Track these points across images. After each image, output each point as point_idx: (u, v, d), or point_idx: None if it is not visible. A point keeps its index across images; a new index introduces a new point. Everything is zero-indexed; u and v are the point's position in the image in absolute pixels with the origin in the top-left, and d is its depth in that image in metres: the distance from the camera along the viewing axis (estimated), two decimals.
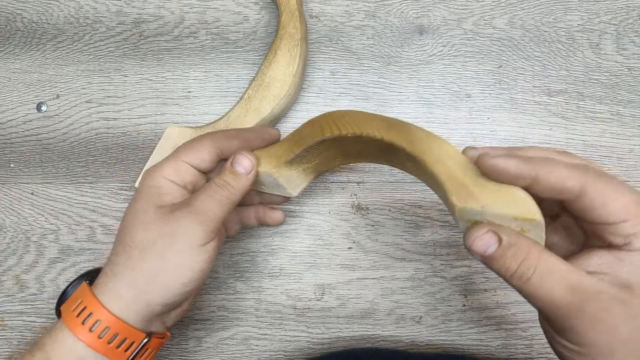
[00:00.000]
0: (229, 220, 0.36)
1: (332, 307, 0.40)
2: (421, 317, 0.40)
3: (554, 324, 0.23)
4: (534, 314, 0.40)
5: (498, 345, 0.40)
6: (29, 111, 0.43)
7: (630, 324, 0.21)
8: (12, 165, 0.43)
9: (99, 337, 0.27)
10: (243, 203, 0.35)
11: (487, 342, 0.40)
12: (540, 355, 0.40)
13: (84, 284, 0.29)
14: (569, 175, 0.23)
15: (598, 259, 0.23)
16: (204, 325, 0.40)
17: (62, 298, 0.31)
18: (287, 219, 0.41)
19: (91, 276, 0.31)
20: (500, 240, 0.23)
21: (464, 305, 0.40)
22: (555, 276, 0.22)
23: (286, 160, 0.32)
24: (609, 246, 0.23)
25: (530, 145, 0.33)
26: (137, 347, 0.29)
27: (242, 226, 0.38)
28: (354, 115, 0.30)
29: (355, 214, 0.41)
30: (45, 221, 0.42)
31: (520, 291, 0.23)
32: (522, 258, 0.23)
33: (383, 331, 0.40)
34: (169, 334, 0.32)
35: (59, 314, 0.30)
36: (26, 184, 0.42)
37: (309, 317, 0.40)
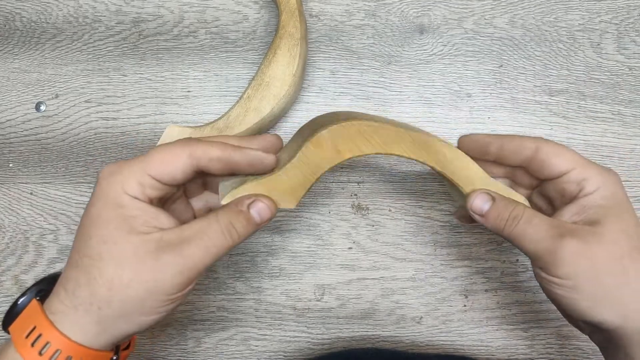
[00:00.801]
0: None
1: (332, 308, 0.40)
2: (421, 317, 0.40)
3: (542, 262, 0.27)
4: (535, 315, 0.40)
5: (499, 346, 0.40)
6: (27, 111, 0.43)
7: (606, 249, 0.26)
8: (11, 165, 0.42)
9: None
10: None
11: (488, 342, 0.40)
12: (541, 356, 0.40)
13: (34, 302, 0.26)
14: (526, 140, 0.30)
15: (568, 212, 0.28)
16: (203, 325, 0.40)
17: (11, 312, 0.27)
18: (286, 219, 0.41)
19: (44, 286, 0.28)
20: (493, 198, 0.29)
21: (465, 306, 0.40)
22: (538, 219, 0.27)
23: (303, 194, 0.28)
24: (571, 200, 0.28)
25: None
26: None
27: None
28: (371, 129, 0.28)
29: (355, 214, 0.41)
30: (44, 221, 0.41)
31: (512, 237, 0.28)
32: (511, 208, 0.28)
33: (383, 332, 0.40)
34: (135, 337, 0.30)
35: (5, 329, 0.27)
36: (25, 183, 0.42)
37: (309, 317, 0.40)
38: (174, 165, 0.26)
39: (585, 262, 0.26)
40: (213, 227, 0.26)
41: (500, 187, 0.30)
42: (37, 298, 0.26)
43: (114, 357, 0.26)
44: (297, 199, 0.28)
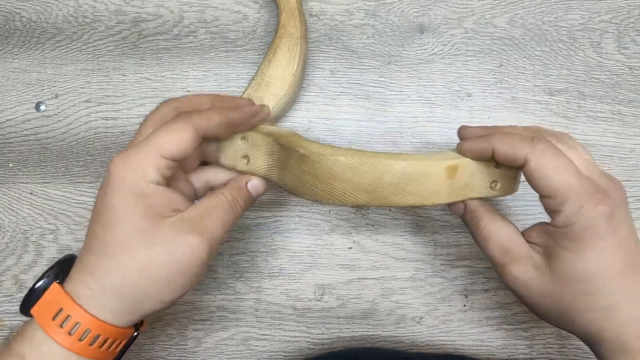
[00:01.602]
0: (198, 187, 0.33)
1: (332, 307, 0.40)
2: (422, 317, 0.40)
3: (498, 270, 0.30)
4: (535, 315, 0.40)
5: (499, 346, 0.40)
6: (27, 111, 0.43)
7: (542, 285, 0.28)
8: (10, 165, 0.42)
9: (79, 340, 0.26)
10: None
11: (488, 342, 0.40)
12: (541, 356, 0.40)
13: (56, 285, 0.27)
14: (518, 146, 0.27)
15: (536, 234, 0.29)
16: (203, 325, 0.40)
17: (32, 295, 0.28)
18: (286, 218, 0.41)
19: (61, 268, 0.28)
20: (465, 206, 0.31)
21: (465, 306, 0.40)
22: (495, 236, 0.29)
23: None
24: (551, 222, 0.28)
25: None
26: (125, 343, 0.28)
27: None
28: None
29: (355, 213, 0.41)
30: (44, 221, 0.41)
31: (477, 243, 0.31)
32: (479, 218, 0.30)
33: (383, 331, 0.40)
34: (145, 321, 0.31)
35: (27, 312, 0.28)
36: (25, 183, 0.42)
37: (309, 317, 0.40)
38: (183, 141, 0.27)
39: (530, 289, 0.29)
40: (224, 203, 0.29)
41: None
42: (58, 282, 0.27)
43: (135, 334, 0.28)
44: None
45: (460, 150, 0.31)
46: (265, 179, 0.33)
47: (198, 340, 0.40)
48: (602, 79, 0.42)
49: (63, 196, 0.42)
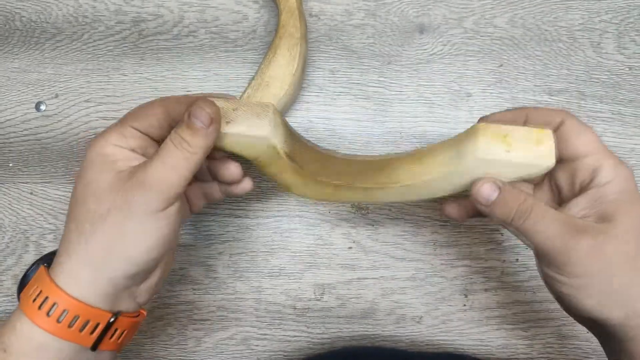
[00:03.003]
0: (192, 196, 0.34)
1: (332, 307, 0.40)
2: (421, 317, 0.40)
3: (551, 260, 0.26)
4: (535, 314, 0.40)
5: (499, 345, 0.40)
6: (27, 110, 0.43)
7: (617, 248, 0.25)
8: (10, 164, 0.42)
9: (57, 322, 0.25)
10: (200, 179, 0.33)
11: (488, 342, 0.40)
12: (540, 355, 0.40)
13: (42, 268, 0.27)
14: (552, 112, 0.29)
15: (577, 205, 0.27)
16: (203, 325, 0.40)
17: (23, 282, 0.28)
18: (286, 218, 0.41)
19: (51, 257, 0.28)
20: (499, 188, 0.27)
21: (465, 305, 0.40)
22: (549, 215, 0.26)
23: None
24: (581, 191, 0.27)
25: None
26: (102, 328, 0.27)
27: (207, 201, 0.35)
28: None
29: (355, 213, 0.41)
30: (44, 221, 0.41)
31: (521, 230, 0.27)
32: (520, 201, 0.27)
33: (383, 331, 0.40)
34: (144, 312, 0.30)
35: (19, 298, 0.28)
36: (25, 183, 0.42)
37: (309, 317, 0.40)
38: (150, 116, 0.28)
39: (596, 262, 0.25)
40: (166, 145, 0.27)
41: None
42: (45, 265, 0.27)
43: (112, 319, 0.27)
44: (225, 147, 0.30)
45: (491, 120, 0.30)
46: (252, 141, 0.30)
47: (198, 340, 0.40)
48: (602, 79, 0.42)
49: (63, 196, 0.42)
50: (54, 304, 0.25)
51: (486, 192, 0.27)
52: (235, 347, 0.40)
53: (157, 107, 0.29)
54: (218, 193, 0.34)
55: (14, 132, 0.43)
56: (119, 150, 0.27)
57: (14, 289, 0.41)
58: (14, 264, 0.41)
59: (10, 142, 0.43)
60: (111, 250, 0.26)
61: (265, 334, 0.40)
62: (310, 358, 0.38)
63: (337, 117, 0.42)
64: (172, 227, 0.27)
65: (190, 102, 0.28)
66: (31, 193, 0.42)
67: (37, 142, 0.43)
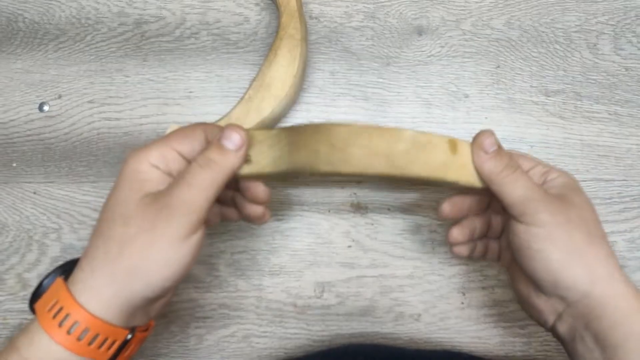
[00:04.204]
0: (210, 214, 0.33)
1: (332, 305, 0.41)
2: (420, 314, 0.41)
3: (525, 209, 0.29)
4: None
5: (496, 343, 0.40)
6: (31, 111, 0.43)
7: (576, 212, 0.29)
8: (14, 164, 0.43)
9: (78, 340, 0.25)
10: (220, 200, 0.33)
11: (486, 339, 0.40)
12: (538, 353, 0.40)
13: (59, 281, 0.27)
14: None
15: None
16: (205, 322, 0.40)
17: (37, 293, 0.28)
18: (286, 217, 0.41)
19: (67, 269, 0.28)
20: (499, 144, 0.31)
21: (463, 303, 0.41)
22: (526, 176, 0.30)
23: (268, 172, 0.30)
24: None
25: (528, 143, 0.42)
26: (119, 345, 0.27)
27: (222, 220, 0.35)
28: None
29: (354, 212, 0.42)
30: (47, 220, 0.42)
31: (504, 182, 0.29)
32: (509, 158, 0.30)
33: (382, 329, 0.40)
34: (152, 323, 0.31)
35: (33, 309, 0.28)
36: (28, 183, 0.43)
37: (309, 314, 0.41)
38: (193, 138, 0.29)
39: (561, 215, 0.28)
40: (192, 165, 0.27)
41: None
42: (62, 276, 0.27)
43: (129, 336, 0.27)
44: (261, 172, 0.30)
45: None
46: (275, 173, 0.31)
47: (200, 338, 0.40)
48: (599, 80, 0.43)
49: (66, 196, 0.42)
50: (75, 322, 0.25)
51: (489, 143, 0.30)
52: (236, 345, 0.40)
53: (198, 131, 0.29)
54: (235, 214, 0.34)
55: (18, 132, 0.43)
56: (154, 171, 0.27)
57: (17, 287, 0.41)
58: (17, 263, 0.42)
59: (14, 142, 0.43)
60: (135, 273, 0.26)
61: (266, 332, 0.40)
62: (310, 355, 0.39)
63: (337, 117, 0.42)
64: (194, 255, 0.27)
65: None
66: (34, 193, 0.42)
67: (40, 142, 0.43)
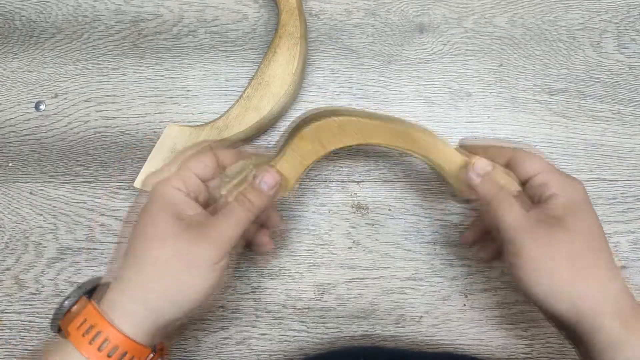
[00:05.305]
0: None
1: (332, 307, 0.40)
2: (421, 317, 0.40)
3: (512, 241, 0.29)
4: (535, 314, 0.40)
5: (498, 345, 0.40)
6: (27, 110, 0.43)
7: (560, 248, 0.29)
8: (10, 164, 0.42)
9: (108, 357, 0.27)
10: None
11: (488, 342, 0.40)
12: (540, 355, 0.40)
13: (90, 303, 0.28)
14: (505, 149, 0.33)
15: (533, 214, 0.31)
16: (203, 325, 0.40)
17: (59, 312, 0.29)
18: (286, 218, 0.41)
19: (88, 288, 0.30)
20: (494, 165, 0.32)
21: (465, 305, 0.40)
22: (516, 205, 0.30)
23: (294, 184, 0.33)
24: (536, 205, 0.31)
25: (529, 143, 0.42)
26: None
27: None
28: (351, 123, 0.32)
29: (355, 213, 0.41)
30: (43, 220, 0.41)
31: (497, 209, 0.30)
32: (503, 182, 0.31)
33: (383, 331, 0.40)
34: (166, 347, 0.32)
35: (55, 328, 0.29)
36: (25, 183, 0.42)
37: (309, 317, 0.40)
38: (206, 161, 0.31)
39: (543, 251, 0.29)
40: (232, 204, 0.30)
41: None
42: (87, 296, 0.29)
43: (151, 355, 0.29)
44: (289, 188, 0.33)
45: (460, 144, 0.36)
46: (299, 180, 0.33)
47: (198, 340, 0.40)
48: (602, 79, 0.42)
49: (63, 196, 0.42)
50: (105, 340, 0.27)
51: (482, 165, 0.32)
52: (235, 347, 0.40)
53: (209, 154, 0.32)
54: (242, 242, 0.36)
55: (14, 131, 0.43)
56: (179, 194, 0.30)
57: (14, 289, 0.41)
58: (14, 263, 0.41)
59: (10, 142, 0.43)
60: (168, 297, 0.28)
61: (265, 334, 0.40)
62: (310, 358, 0.38)
63: None
64: (221, 281, 0.30)
65: (237, 154, 0.33)
66: (31, 193, 0.42)
67: (36, 141, 0.43)
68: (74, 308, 0.29)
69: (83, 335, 0.27)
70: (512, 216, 0.30)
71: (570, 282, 0.28)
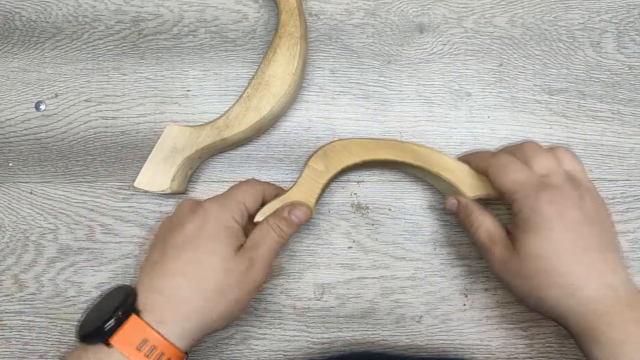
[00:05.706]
0: None
1: (332, 307, 0.40)
2: (421, 316, 0.40)
3: (485, 252, 0.35)
4: (535, 314, 0.40)
5: (498, 345, 0.40)
6: (27, 110, 0.43)
7: (518, 264, 0.32)
8: (10, 164, 0.42)
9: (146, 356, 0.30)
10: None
11: (488, 341, 0.40)
12: (540, 355, 0.40)
13: (137, 318, 0.30)
14: (480, 163, 0.37)
15: (510, 224, 0.35)
16: None
17: (101, 329, 0.30)
18: None
19: (129, 298, 0.32)
20: (458, 201, 0.37)
21: (464, 305, 0.40)
22: (483, 225, 0.35)
23: (314, 204, 0.37)
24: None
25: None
26: None
27: None
28: (352, 143, 0.38)
29: (355, 213, 0.41)
30: (44, 220, 0.41)
31: (471, 229, 0.36)
32: (470, 212, 0.36)
33: (383, 331, 0.40)
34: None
35: (91, 341, 0.30)
36: (25, 183, 0.42)
37: (309, 316, 0.40)
38: (257, 196, 0.36)
39: (508, 269, 0.33)
40: (270, 232, 0.35)
41: (467, 170, 0.37)
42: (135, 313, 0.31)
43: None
44: (312, 209, 0.37)
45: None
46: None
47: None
48: (602, 79, 0.42)
49: (63, 195, 0.42)
50: (152, 347, 0.30)
51: (450, 204, 0.37)
52: (235, 347, 0.40)
53: (258, 189, 0.36)
54: None
55: (14, 131, 0.43)
56: (237, 225, 0.34)
57: (14, 289, 0.41)
58: (14, 263, 0.41)
59: (10, 142, 0.43)
60: (226, 318, 0.33)
61: (265, 334, 0.40)
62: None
63: (337, 116, 0.42)
64: (252, 296, 0.35)
65: (278, 190, 0.38)
66: (31, 192, 0.42)
67: (36, 141, 0.43)
68: (128, 325, 0.30)
69: (138, 349, 0.29)
70: (483, 232, 0.35)
71: (546, 289, 0.32)
